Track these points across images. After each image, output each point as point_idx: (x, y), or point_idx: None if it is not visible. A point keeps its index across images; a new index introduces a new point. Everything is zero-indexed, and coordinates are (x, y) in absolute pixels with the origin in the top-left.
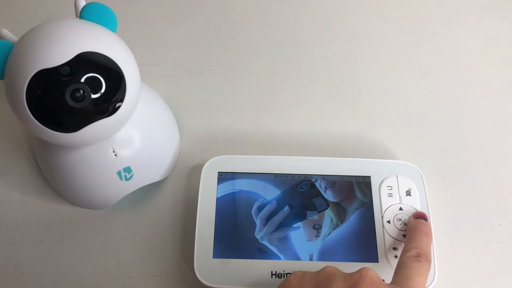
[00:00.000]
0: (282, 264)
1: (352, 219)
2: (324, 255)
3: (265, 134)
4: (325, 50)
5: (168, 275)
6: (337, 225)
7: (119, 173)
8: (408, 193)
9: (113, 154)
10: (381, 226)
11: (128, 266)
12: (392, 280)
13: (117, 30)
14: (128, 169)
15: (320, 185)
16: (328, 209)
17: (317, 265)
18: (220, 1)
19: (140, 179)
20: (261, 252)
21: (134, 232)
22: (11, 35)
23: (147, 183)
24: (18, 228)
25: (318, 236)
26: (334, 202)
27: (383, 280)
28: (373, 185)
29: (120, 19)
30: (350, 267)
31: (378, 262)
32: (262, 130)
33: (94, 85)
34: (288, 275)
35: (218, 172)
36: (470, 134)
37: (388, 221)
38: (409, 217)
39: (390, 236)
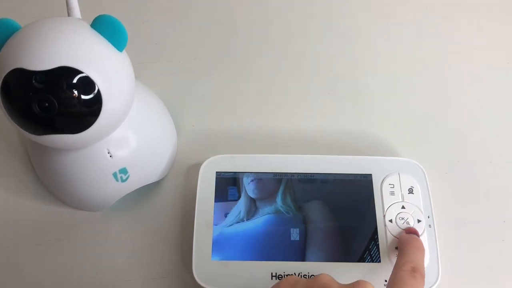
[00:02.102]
0: (283, 266)
1: (353, 218)
2: (326, 255)
3: (264, 132)
4: (326, 46)
5: (166, 277)
6: (338, 225)
7: (114, 175)
8: (411, 191)
9: (108, 155)
10: (383, 225)
11: (125, 269)
12: None
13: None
14: (124, 170)
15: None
16: (331, 209)
17: (319, 266)
18: None
19: (137, 180)
20: (261, 253)
21: (132, 234)
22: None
23: (144, 184)
24: (14, 231)
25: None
26: (334, 201)
27: None
28: (374, 183)
29: (115, 15)
30: (352, 267)
31: (380, 262)
32: (261, 128)
33: (65, 101)
34: (287, 276)
35: (216, 171)
36: (474, 130)
37: (390, 220)
38: (400, 233)
39: (393, 235)
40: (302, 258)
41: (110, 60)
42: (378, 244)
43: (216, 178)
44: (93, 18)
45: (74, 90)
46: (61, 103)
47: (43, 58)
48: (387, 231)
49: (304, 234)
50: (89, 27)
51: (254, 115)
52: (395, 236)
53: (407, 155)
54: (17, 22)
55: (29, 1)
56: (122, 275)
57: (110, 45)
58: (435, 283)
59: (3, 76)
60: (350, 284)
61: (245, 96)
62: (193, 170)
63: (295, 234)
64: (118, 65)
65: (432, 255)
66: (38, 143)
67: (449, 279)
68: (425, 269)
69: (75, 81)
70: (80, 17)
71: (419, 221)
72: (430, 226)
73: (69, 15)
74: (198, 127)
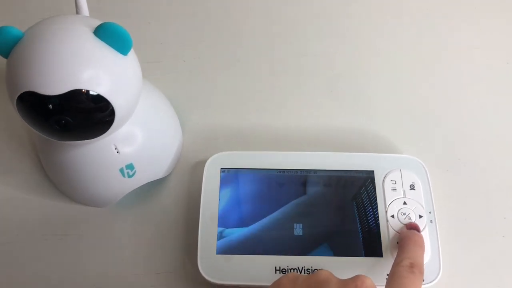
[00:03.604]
0: (287, 260)
1: (355, 213)
2: (328, 250)
3: (267, 130)
4: (327, 45)
5: (171, 271)
6: (341, 220)
7: (121, 170)
8: (412, 187)
9: (115, 151)
10: (385, 220)
11: (131, 263)
12: None
13: None
14: (130, 166)
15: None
16: (334, 204)
17: (322, 260)
18: None
19: (143, 176)
20: (265, 248)
21: (138, 229)
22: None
23: (150, 180)
24: (21, 226)
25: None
26: (337, 197)
27: None
28: (376, 179)
29: (121, 16)
30: (355, 262)
31: (382, 256)
32: (264, 126)
33: (80, 118)
34: (292, 270)
35: (221, 168)
36: (475, 127)
37: (392, 216)
38: (401, 228)
39: (394, 230)
40: (305, 253)
41: (117, 69)
42: (380, 239)
43: (221, 174)
44: (100, 17)
45: (88, 108)
46: (76, 120)
47: (55, 84)
48: (389, 226)
49: (308, 229)
50: (92, 36)
51: (257, 113)
52: (396, 231)
53: (409, 153)
54: (18, 28)
55: None
56: (128, 269)
57: (115, 52)
58: (436, 278)
59: (16, 96)
60: (349, 279)
61: (248, 95)
62: (198, 167)
63: (298, 229)
64: (125, 71)
65: (433, 250)
66: (46, 139)
67: (449, 274)
68: (426, 265)
69: (88, 100)
70: (88, 15)
71: (420, 216)
72: (431, 221)
73: (77, 13)
74: (203, 125)
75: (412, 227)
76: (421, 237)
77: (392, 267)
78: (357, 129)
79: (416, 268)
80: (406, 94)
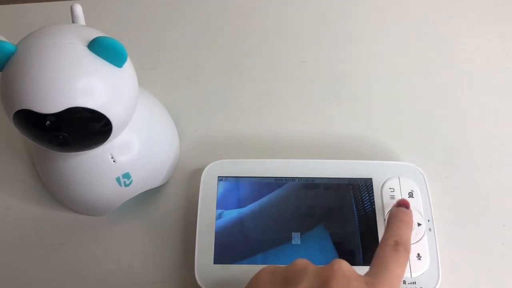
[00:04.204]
0: None
1: (354, 221)
2: (326, 259)
3: (265, 137)
4: (325, 51)
5: (169, 281)
6: (339, 228)
7: (118, 179)
8: (411, 194)
9: (112, 160)
10: (384, 228)
11: (128, 273)
12: (370, 269)
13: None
14: (127, 175)
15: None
16: (333, 213)
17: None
18: (218, 4)
19: (140, 185)
20: (263, 257)
21: (135, 238)
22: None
23: (147, 189)
24: (17, 236)
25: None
26: (335, 205)
27: (355, 272)
28: (375, 187)
29: (118, 23)
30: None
31: None
32: (262, 133)
33: (77, 133)
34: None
35: (218, 176)
36: (473, 134)
37: None
38: (392, 206)
39: None
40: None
41: (113, 82)
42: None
43: (218, 183)
44: (97, 23)
45: (85, 123)
46: (74, 135)
47: (52, 102)
48: None
49: (305, 238)
50: (86, 50)
51: (255, 120)
52: None
53: (407, 159)
54: (10, 42)
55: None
56: (125, 279)
57: (110, 65)
58: (435, 286)
59: (12, 112)
60: (326, 265)
61: (246, 102)
62: (195, 175)
63: (296, 238)
64: (121, 83)
65: (432, 258)
66: (42, 148)
67: (449, 282)
68: (425, 273)
69: (85, 116)
70: (84, 24)
71: (419, 224)
72: (430, 229)
73: (73, 21)
74: (200, 132)
75: (401, 204)
76: (408, 214)
77: (378, 246)
78: (355, 135)
79: (400, 246)
80: (404, 100)
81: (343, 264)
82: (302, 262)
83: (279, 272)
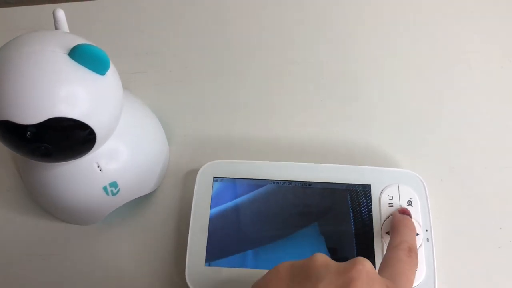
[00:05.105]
0: None
1: (350, 228)
2: None
3: (257, 141)
4: (319, 52)
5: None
6: (335, 235)
7: (105, 188)
8: (410, 203)
9: (98, 169)
10: (380, 237)
11: (118, 281)
12: (382, 273)
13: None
14: (114, 184)
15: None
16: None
17: None
18: (209, 6)
19: (128, 194)
20: (255, 261)
21: (124, 247)
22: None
23: (135, 197)
24: (3, 247)
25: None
26: (331, 210)
27: (377, 273)
28: (373, 194)
29: (106, 27)
30: None
31: None
32: (254, 137)
33: (59, 144)
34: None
35: (214, 177)
36: (469, 135)
37: (387, 232)
38: (394, 212)
39: None
40: None
41: (96, 90)
42: (374, 255)
43: (213, 183)
44: (85, 30)
45: (67, 133)
46: (56, 146)
47: (32, 113)
48: (384, 243)
49: (299, 242)
50: (67, 58)
51: (246, 124)
52: None
53: (401, 162)
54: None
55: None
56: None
57: (93, 73)
58: None
59: None
60: (348, 262)
61: (237, 105)
62: (186, 180)
63: (290, 241)
64: (104, 91)
65: (428, 269)
66: (26, 159)
67: (445, 286)
68: (421, 284)
69: (67, 126)
70: (67, 29)
71: (417, 234)
72: (428, 240)
73: (56, 27)
74: (191, 136)
75: (404, 213)
76: (413, 223)
77: (389, 250)
78: (350, 138)
79: (413, 252)
80: (400, 102)
81: (367, 264)
82: (322, 257)
83: (297, 266)
